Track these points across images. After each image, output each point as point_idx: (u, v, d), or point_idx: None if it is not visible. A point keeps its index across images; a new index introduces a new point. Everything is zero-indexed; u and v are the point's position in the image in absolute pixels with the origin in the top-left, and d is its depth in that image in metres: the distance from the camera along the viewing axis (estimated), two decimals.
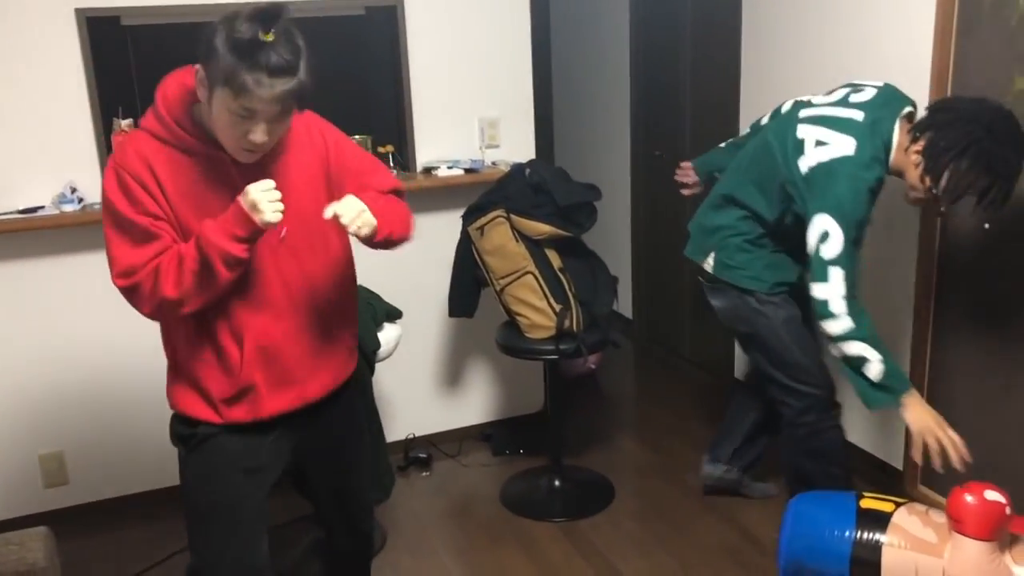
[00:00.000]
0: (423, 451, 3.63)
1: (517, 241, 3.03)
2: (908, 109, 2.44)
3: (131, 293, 1.75)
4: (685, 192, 3.17)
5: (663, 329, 4.78)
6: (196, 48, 1.66)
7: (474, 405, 3.81)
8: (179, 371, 1.92)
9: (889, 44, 3.01)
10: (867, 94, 2.50)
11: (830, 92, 2.63)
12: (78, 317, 3.14)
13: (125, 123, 3.04)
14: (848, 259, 2.33)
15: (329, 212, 1.74)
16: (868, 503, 2.11)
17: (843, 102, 2.50)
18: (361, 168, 1.97)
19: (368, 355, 2.86)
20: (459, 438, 3.77)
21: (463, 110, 3.49)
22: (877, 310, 2.64)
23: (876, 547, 1.99)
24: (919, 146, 2.31)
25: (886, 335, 2.53)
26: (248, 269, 1.79)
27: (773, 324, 2.68)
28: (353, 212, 1.74)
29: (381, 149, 3.39)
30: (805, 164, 2.43)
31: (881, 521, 2.03)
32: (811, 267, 2.41)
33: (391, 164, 3.40)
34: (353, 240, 1.90)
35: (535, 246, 3.03)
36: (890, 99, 2.47)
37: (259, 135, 1.66)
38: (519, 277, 3.03)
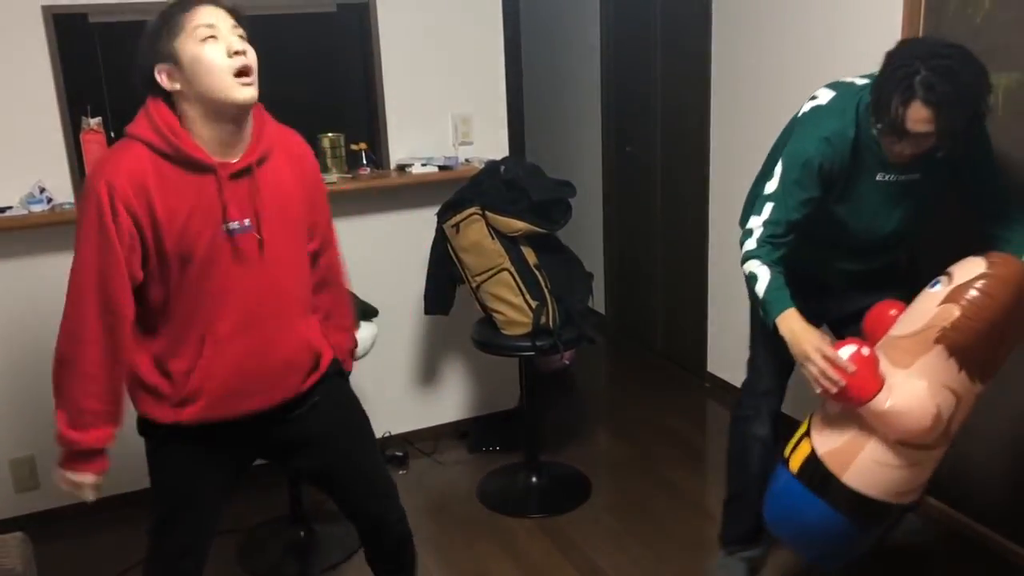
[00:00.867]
0: (399, 449, 3.62)
1: (493, 238, 3.03)
2: None
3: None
4: None
5: (635, 324, 4.81)
6: (138, 71, 1.76)
7: (449, 402, 3.81)
8: (139, 373, 1.90)
9: (858, 41, 3.05)
10: None
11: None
12: (47, 319, 3.08)
13: (94, 122, 3.00)
14: (783, 196, 2.26)
15: None
16: (794, 461, 2.21)
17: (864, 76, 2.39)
18: (324, 215, 2.07)
19: None
20: (435, 436, 3.77)
21: (436, 107, 3.48)
22: None
23: (833, 482, 2.11)
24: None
25: None
26: (223, 277, 1.82)
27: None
28: None
29: (354, 147, 3.37)
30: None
31: (815, 464, 2.14)
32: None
33: (364, 162, 3.38)
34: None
35: (511, 243, 3.04)
36: None
37: (237, 43, 1.72)
38: (495, 274, 3.04)
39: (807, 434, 2.21)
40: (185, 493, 1.98)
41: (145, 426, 1.94)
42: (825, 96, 2.32)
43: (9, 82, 2.90)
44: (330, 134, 3.29)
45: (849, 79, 2.35)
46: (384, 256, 3.46)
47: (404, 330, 3.63)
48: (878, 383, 2.00)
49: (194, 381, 1.84)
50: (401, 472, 3.54)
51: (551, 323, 3.02)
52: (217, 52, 1.71)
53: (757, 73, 3.54)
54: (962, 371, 1.98)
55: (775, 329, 2.23)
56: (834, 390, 2.06)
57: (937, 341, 1.96)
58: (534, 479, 3.35)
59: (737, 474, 2.69)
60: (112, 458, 3.20)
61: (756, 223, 2.31)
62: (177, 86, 1.74)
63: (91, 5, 2.97)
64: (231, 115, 1.76)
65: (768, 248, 2.29)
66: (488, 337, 3.15)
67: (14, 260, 3.02)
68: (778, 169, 2.29)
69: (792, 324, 2.20)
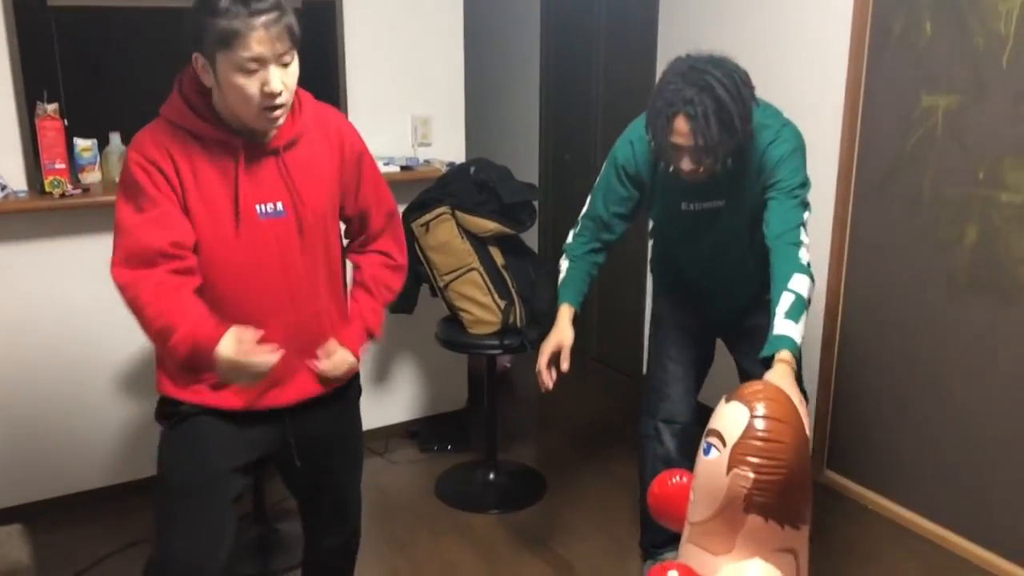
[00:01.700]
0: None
1: (462, 238, 3.08)
2: None
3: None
4: None
5: None
6: (183, 44, 1.71)
7: (399, 403, 3.82)
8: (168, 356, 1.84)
9: (806, 61, 3.25)
10: None
11: None
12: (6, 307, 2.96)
13: (51, 108, 2.89)
14: (596, 192, 2.50)
15: (322, 367, 1.91)
16: None
17: None
18: (367, 196, 2.02)
19: None
20: (385, 436, 3.77)
21: (397, 108, 3.51)
22: None
23: None
24: None
25: None
26: (253, 262, 1.80)
27: (653, 316, 2.81)
28: (341, 371, 1.94)
29: None
30: None
31: None
32: None
33: None
34: None
35: (479, 243, 3.10)
36: None
37: (275, 83, 1.68)
38: (464, 273, 3.09)
39: None
40: (205, 477, 1.87)
41: (167, 409, 1.88)
42: None
43: None
44: None
45: None
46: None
47: None
48: None
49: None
50: None
51: (519, 323, 3.09)
52: (253, 85, 1.67)
53: None
54: (785, 526, 1.76)
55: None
56: (545, 387, 2.39)
57: (746, 511, 1.73)
58: (492, 476, 3.41)
59: (644, 489, 2.73)
60: (45, 459, 3.11)
61: (579, 218, 2.55)
62: (209, 83, 1.73)
63: None
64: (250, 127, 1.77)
65: (580, 241, 2.54)
66: (454, 336, 3.19)
67: None
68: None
69: (560, 318, 2.48)
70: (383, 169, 3.33)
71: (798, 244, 2.19)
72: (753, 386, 1.81)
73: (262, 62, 1.66)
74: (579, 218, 2.55)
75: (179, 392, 1.86)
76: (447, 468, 3.54)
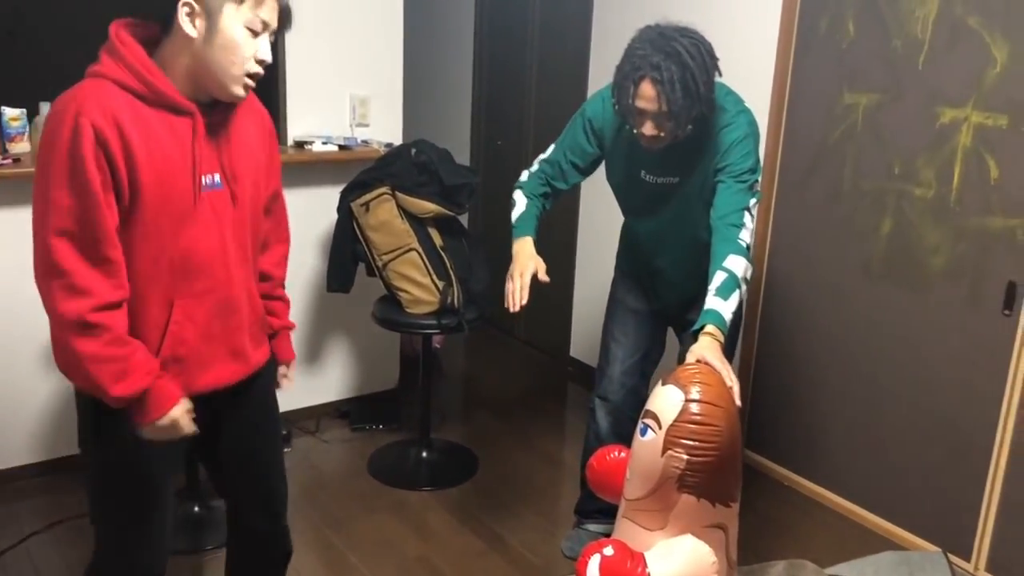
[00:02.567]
0: (282, 428, 3.60)
1: (402, 218, 3.11)
2: None
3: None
4: None
5: (498, 312, 4.98)
6: None
7: (331, 382, 3.83)
8: None
9: (735, 57, 3.36)
10: None
11: None
12: None
13: None
14: (561, 139, 2.60)
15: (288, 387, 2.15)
16: None
17: None
18: (274, 166, 1.99)
19: None
20: (316, 415, 3.78)
21: (335, 87, 3.51)
22: None
23: None
24: None
25: None
26: (199, 237, 1.74)
27: (609, 297, 2.89)
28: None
29: None
30: None
31: None
32: None
33: None
34: None
35: (419, 224, 3.13)
36: None
37: (268, 52, 1.68)
38: (403, 253, 3.12)
39: None
40: (148, 475, 1.83)
41: (97, 402, 1.73)
42: None
43: None
44: None
45: None
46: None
47: (294, 308, 3.60)
48: None
49: (165, 348, 1.74)
50: (287, 450, 3.53)
51: (456, 303, 3.15)
52: (251, 47, 1.66)
53: None
54: (716, 504, 1.84)
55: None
56: (514, 308, 2.42)
57: (680, 490, 1.81)
58: (424, 454, 3.46)
59: (583, 460, 2.88)
60: (30, 424, 3.02)
61: (536, 160, 2.65)
62: (192, 33, 1.63)
63: None
64: (213, 91, 1.71)
65: (536, 182, 2.63)
66: (392, 315, 3.22)
67: None
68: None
69: (521, 247, 2.53)
70: (321, 148, 3.36)
71: (739, 226, 2.29)
72: (688, 369, 1.88)
73: (266, 27, 1.66)
74: (537, 160, 2.64)
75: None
76: (380, 447, 3.58)
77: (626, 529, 1.92)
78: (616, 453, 2.13)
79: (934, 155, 2.84)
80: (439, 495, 3.27)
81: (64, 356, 1.69)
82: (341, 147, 3.41)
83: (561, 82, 4.26)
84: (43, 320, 1.66)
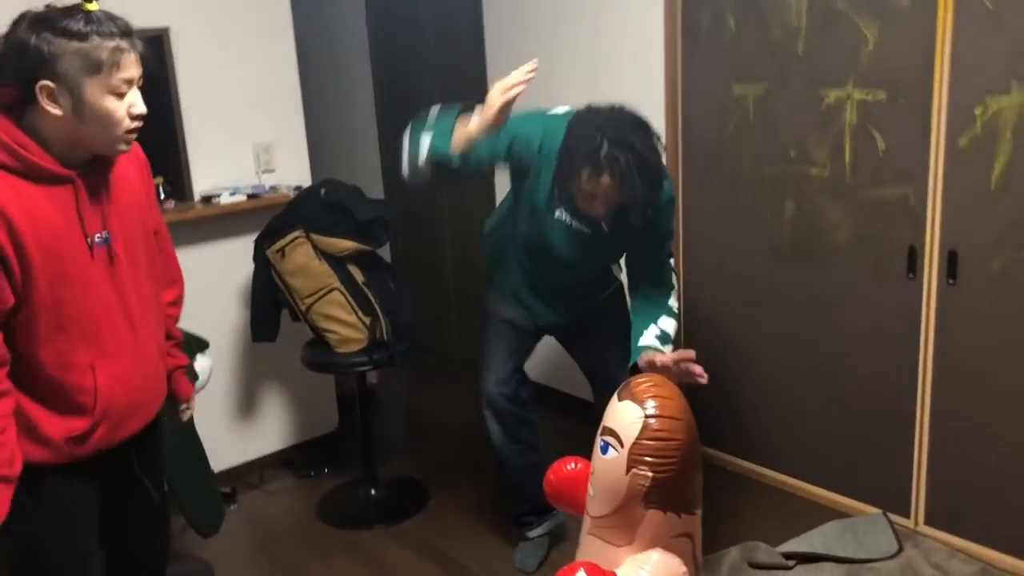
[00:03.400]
0: (226, 486, 3.55)
1: (320, 260, 3.11)
2: None
3: None
4: None
5: (431, 334, 4.97)
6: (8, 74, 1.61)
7: (270, 432, 3.78)
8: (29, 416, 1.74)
9: (626, 61, 3.46)
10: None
11: None
12: None
13: None
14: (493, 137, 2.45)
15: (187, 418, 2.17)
16: None
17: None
18: (153, 203, 2.00)
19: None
20: (259, 468, 3.72)
21: (237, 136, 3.48)
22: None
23: None
24: None
25: None
26: (100, 297, 1.74)
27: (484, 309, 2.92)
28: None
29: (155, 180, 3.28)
30: None
31: None
32: None
33: (162, 196, 3.30)
34: None
35: (337, 263, 3.13)
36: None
37: (141, 104, 1.68)
38: (326, 294, 3.11)
39: None
40: (79, 555, 1.84)
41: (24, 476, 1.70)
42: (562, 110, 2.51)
43: None
44: None
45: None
46: (198, 288, 3.38)
47: (223, 362, 3.57)
48: None
49: (98, 409, 1.75)
50: (232, 507, 3.47)
51: (385, 336, 3.15)
52: (121, 108, 1.66)
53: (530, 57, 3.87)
54: (681, 515, 1.87)
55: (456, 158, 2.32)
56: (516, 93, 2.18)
57: (646, 507, 1.82)
58: (373, 491, 3.44)
59: (497, 468, 2.98)
60: None
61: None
62: (58, 112, 1.61)
63: None
64: (95, 151, 1.71)
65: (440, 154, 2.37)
66: (322, 357, 3.21)
67: None
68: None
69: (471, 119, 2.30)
70: (229, 200, 3.34)
71: (672, 288, 2.48)
72: (642, 383, 1.87)
73: (131, 83, 1.65)
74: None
75: (31, 450, 1.73)
76: (327, 491, 3.54)
77: (593, 546, 1.93)
78: (572, 465, 2.12)
79: (824, 135, 2.96)
80: (393, 531, 3.25)
81: None
82: (250, 196, 3.38)
83: (462, 96, 4.28)
84: None
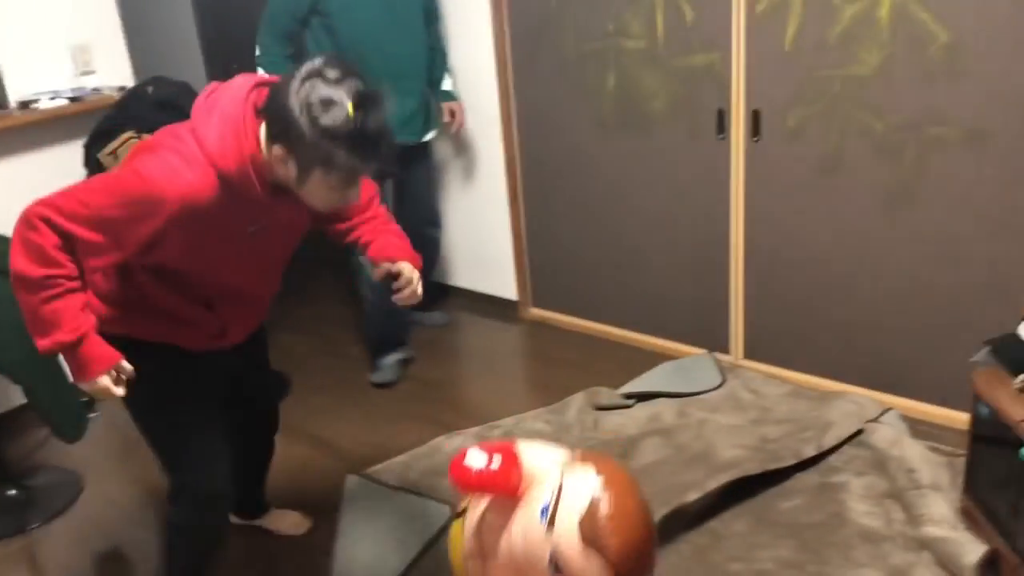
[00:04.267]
0: (84, 394, 3.51)
1: None
2: None
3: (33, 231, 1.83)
4: None
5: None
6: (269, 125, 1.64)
7: None
8: (139, 316, 1.93)
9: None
10: None
11: None
12: None
13: None
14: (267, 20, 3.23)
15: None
16: None
17: None
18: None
19: None
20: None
21: (51, 39, 3.31)
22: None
23: None
24: None
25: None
26: (231, 250, 1.88)
27: None
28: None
29: None
30: None
31: None
32: None
33: None
34: None
35: None
36: None
37: (356, 194, 1.73)
38: None
39: None
40: (211, 408, 2.08)
41: (139, 351, 1.88)
42: None
43: None
44: None
45: None
46: (25, 202, 3.28)
47: None
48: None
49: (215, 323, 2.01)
50: (94, 415, 3.43)
51: None
52: (335, 196, 1.70)
53: None
54: None
55: None
56: None
57: None
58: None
59: (367, 329, 3.21)
60: None
61: (259, 44, 3.20)
62: (279, 170, 1.67)
63: None
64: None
65: (278, 47, 3.19)
66: None
67: None
68: None
69: None
70: (50, 104, 3.22)
71: None
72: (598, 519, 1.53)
73: (355, 182, 1.70)
74: (260, 43, 3.08)
75: (149, 334, 1.93)
76: None
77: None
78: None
79: (638, 9, 3.14)
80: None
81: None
82: (72, 99, 3.26)
83: None
84: None
